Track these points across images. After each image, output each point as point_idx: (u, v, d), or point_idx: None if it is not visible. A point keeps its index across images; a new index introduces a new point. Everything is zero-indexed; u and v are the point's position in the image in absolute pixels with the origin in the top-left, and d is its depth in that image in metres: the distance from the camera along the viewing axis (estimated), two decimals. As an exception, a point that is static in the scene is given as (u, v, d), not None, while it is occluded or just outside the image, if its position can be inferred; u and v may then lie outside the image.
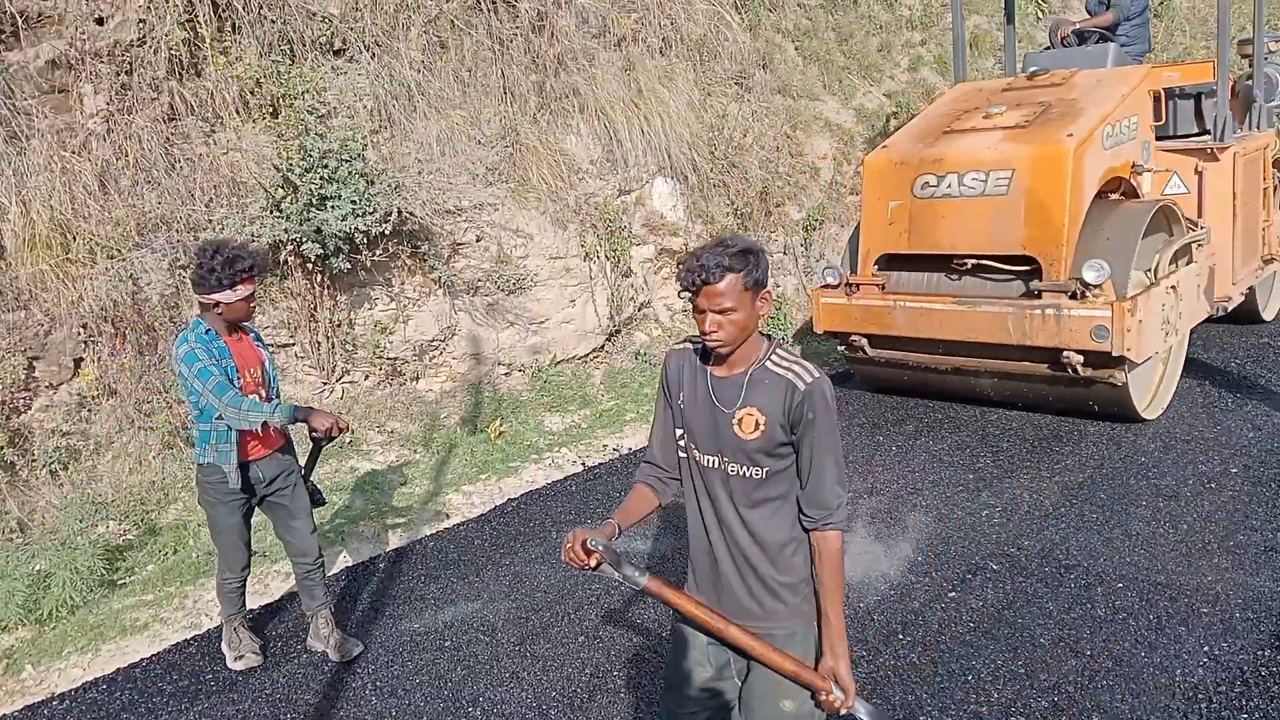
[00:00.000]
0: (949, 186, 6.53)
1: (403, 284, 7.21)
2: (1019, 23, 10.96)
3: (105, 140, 6.21)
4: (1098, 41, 7.92)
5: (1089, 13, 8.59)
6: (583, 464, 6.75)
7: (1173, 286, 6.53)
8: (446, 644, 4.40)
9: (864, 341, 7.13)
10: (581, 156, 8.45)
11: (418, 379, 7.37)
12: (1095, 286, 5.94)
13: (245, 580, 4.30)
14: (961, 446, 6.45)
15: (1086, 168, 6.28)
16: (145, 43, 6.38)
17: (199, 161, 6.53)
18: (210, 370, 3.79)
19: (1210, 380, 7.37)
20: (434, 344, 7.38)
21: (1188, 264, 6.94)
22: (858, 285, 7.02)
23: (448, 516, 5.95)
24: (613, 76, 8.68)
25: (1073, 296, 6.02)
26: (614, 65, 8.75)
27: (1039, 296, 6.17)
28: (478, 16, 7.92)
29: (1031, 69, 7.56)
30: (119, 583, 5.20)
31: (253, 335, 4.18)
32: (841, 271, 7.14)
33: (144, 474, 5.93)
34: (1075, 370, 6.12)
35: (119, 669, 4.40)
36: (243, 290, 3.85)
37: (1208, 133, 7.63)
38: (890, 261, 6.95)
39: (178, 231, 6.25)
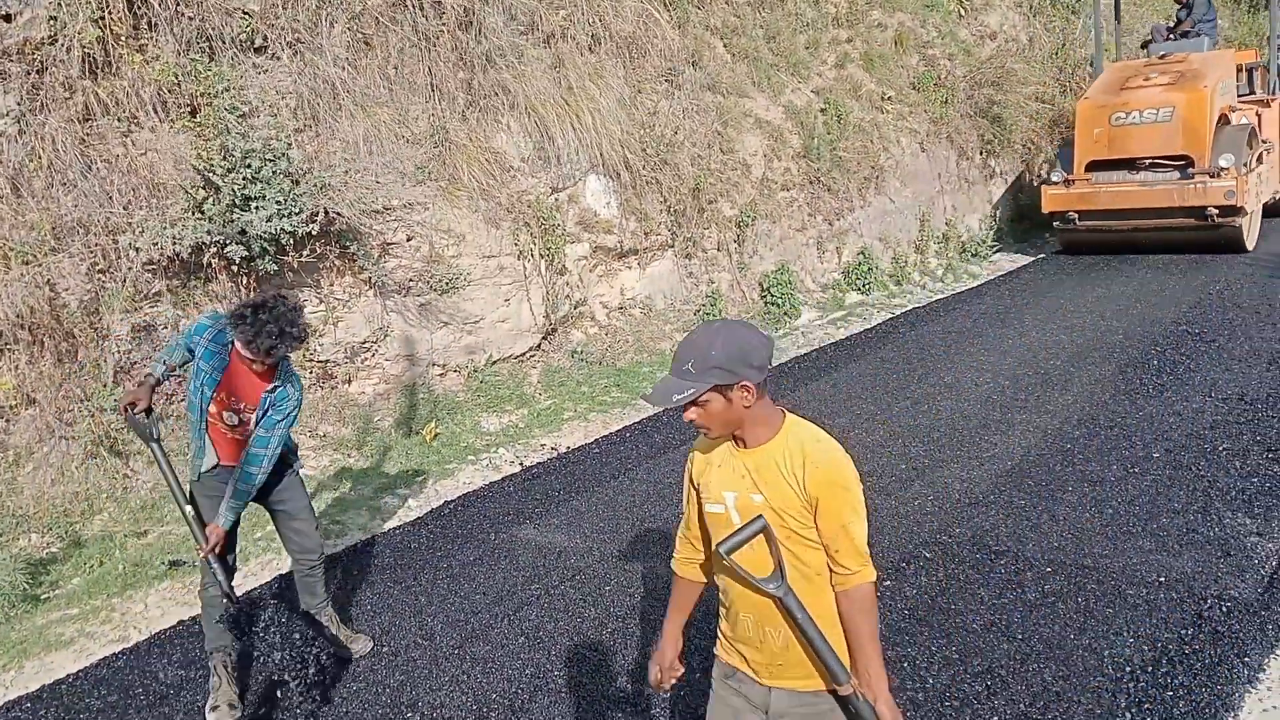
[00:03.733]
0: (1134, 118, 11.79)
1: (332, 285, 7.08)
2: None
3: (17, 142, 5.99)
4: (1182, 36, 13.37)
5: (1177, 19, 13.87)
6: (520, 464, 6.71)
7: (1258, 174, 12.00)
8: (384, 650, 4.33)
9: (1075, 216, 12.16)
10: (512, 154, 8.39)
11: (350, 381, 7.25)
12: (1225, 169, 11.08)
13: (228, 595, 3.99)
14: (895, 437, 6.56)
15: (1213, 105, 11.55)
16: (57, 40, 6.16)
17: (116, 163, 6.32)
18: (175, 346, 3.89)
19: (1133, 368, 7.61)
20: (366, 345, 7.26)
21: (1259, 163, 12.10)
22: (1073, 180, 12.07)
23: (383, 521, 5.87)
24: (542, 73, 8.63)
25: (1212, 176, 11.11)
26: (543, 62, 8.70)
27: (1191, 178, 11.28)
28: (403, 13, 7.80)
29: (1161, 53, 13.07)
30: (42, 597, 5.03)
31: (274, 393, 3.85)
32: (1062, 173, 12.20)
33: (66, 484, 5.74)
34: (1213, 219, 11.18)
35: (44, 686, 4.25)
36: (253, 355, 3.67)
37: (1252, 93, 13.77)
38: (1090, 166, 12.01)
39: (96, 235, 6.05)
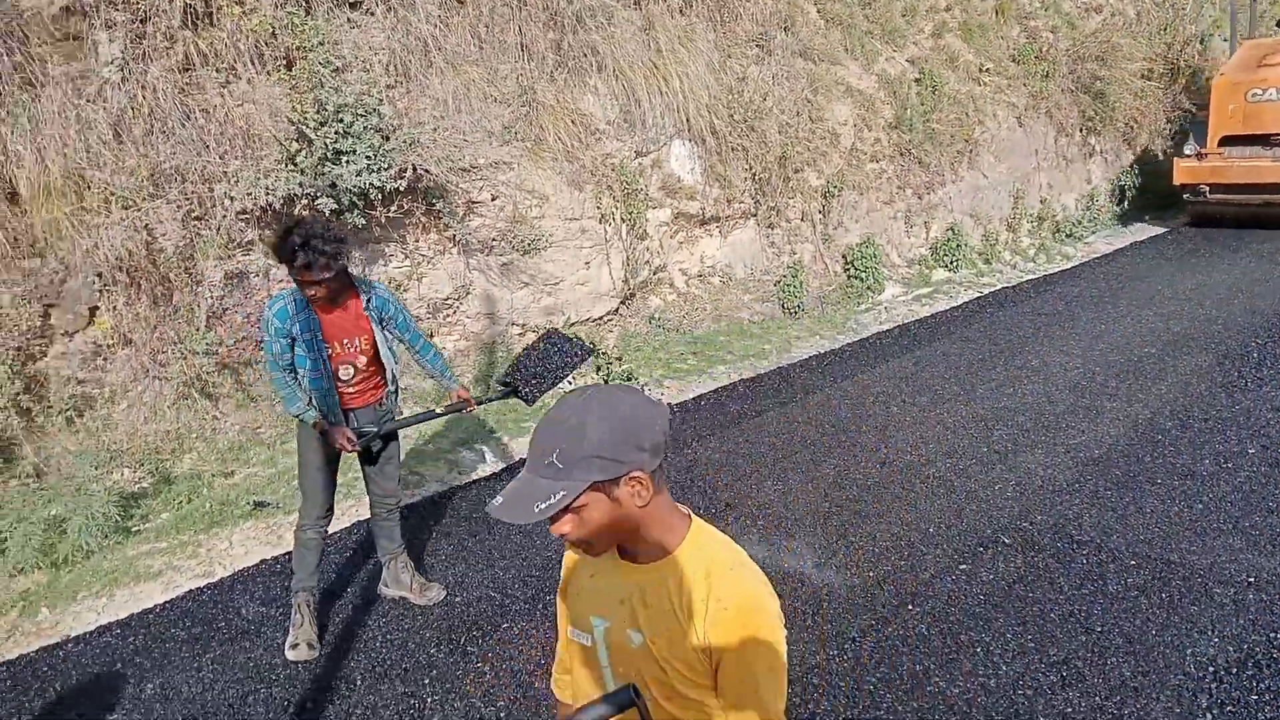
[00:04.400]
0: (1270, 95, 11.94)
1: (417, 241, 7.16)
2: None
3: (120, 89, 6.15)
4: None
5: None
6: (594, 426, 6.73)
7: None
8: (457, 600, 4.41)
9: (1206, 189, 12.46)
10: (599, 116, 8.36)
11: (432, 336, 7.35)
12: None
13: (322, 536, 4.20)
14: (977, 419, 6.41)
15: None
16: (161, -10, 6.31)
17: (213, 113, 6.46)
18: (271, 346, 3.91)
19: (1232, 359, 7.30)
20: (448, 302, 7.35)
21: None
22: (1206, 154, 12.42)
23: (460, 474, 5.96)
24: (631, 36, 8.55)
25: None
26: (633, 24, 8.62)
27: None
28: (497, -29, 7.79)
29: None
30: (133, 530, 5.23)
31: (368, 302, 4.03)
32: (1196, 147, 12.55)
33: (158, 423, 5.95)
34: None
35: (132, 614, 4.44)
36: (303, 278, 3.71)
37: None
38: (1224, 141, 12.29)
39: (192, 183, 6.20)
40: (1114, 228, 14.08)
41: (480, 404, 4.53)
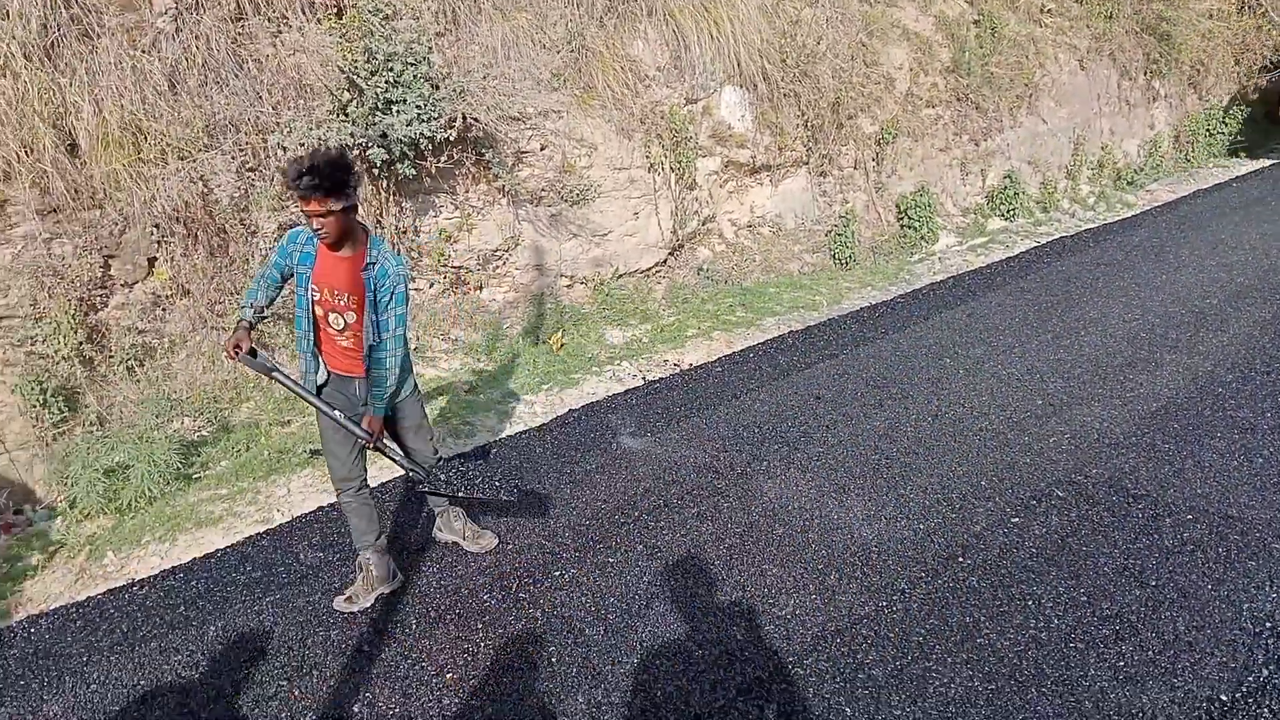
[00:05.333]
0: None
1: (467, 192, 7.17)
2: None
3: (174, 40, 6.20)
4: None
5: None
6: (643, 378, 6.75)
7: None
8: (509, 547, 4.48)
9: None
10: (648, 63, 8.25)
11: (481, 288, 7.38)
12: None
13: (361, 500, 4.09)
14: (1032, 372, 6.31)
15: None
16: (212, -60, 6.31)
17: (266, 63, 6.49)
18: (259, 279, 3.88)
19: (1297, 310, 7.10)
20: (498, 253, 7.36)
21: None
22: None
23: (510, 425, 6.02)
24: (683, -21, 8.40)
25: None
26: (685, -32, 8.46)
27: None
28: (546, -85, 7.67)
29: None
30: (194, 477, 5.37)
31: (373, 271, 3.73)
32: None
33: (217, 373, 6.07)
34: None
35: (195, 559, 4.57)
36: (306, 207, 3.54)
37: None
38: None
39: (245, 134, 6.25)
40: (1177, 175, 13.66)
41: (374, 447, 3.88)
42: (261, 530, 4.80)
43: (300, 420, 5.99)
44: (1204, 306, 7.41)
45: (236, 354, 3.76)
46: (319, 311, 3.84)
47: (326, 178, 3.48)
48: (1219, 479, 4.71)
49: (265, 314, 3.94)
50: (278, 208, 6.28)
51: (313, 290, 3.80)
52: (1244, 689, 3.28)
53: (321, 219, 3.57)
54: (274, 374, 3.84)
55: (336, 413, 3.83)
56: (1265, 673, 3.35)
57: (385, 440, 3.95)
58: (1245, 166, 14.15)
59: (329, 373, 3.96)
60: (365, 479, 4.13)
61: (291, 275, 3.87)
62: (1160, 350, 6.51)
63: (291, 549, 4.58)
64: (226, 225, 6.15)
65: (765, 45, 8.81)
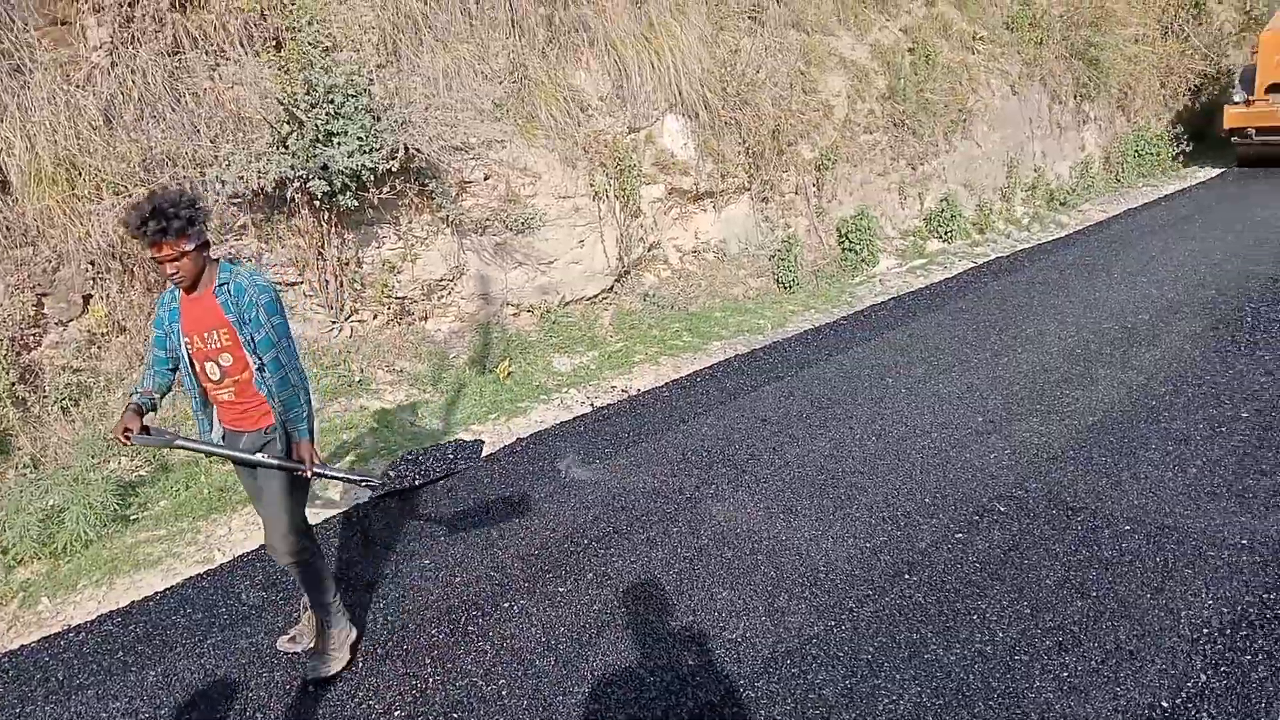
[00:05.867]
0: None
1: (410, 222, 7.15)
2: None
3: (109, 74, 6.13)
4: None
5: None
6: (591, 405, 6.76)
7: None
8: (456, 580, 4.44)
9: (1253, 131, 14.27)
10: (591, 92, 8.32)
11: (426, 318, 7.35)
12: None
13: (319, 552, 3.81)
14: (972, 389, 6.43)
15: None
16: (147, -27, 6.27)
17: (203, 96, 6.44)
18: (148, 365, 3.64)
19: (1225, 325, 7.32)
20: (442, 283, 7.34)
21: None
22: (1253, 101, 14.12)
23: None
24: (623, 10, 8.50)
25: None
26: (624, -1, 8.57)
27: None
28: (485, -53, 7.73)
29: None
30: (132, 518, 5.25)
31: (228, 291, 3.48)
32: (1244, 94, 14.26)
33: (155, 410, 5.95)
34: None
35: (133, 602, 4.46)
36: (157, 254, 3.32)
37: None
38: (1270, 89, 13.87)
39: (183, 168, 6.18)
40: (1108, 194, 14.05)
41: (319, 475, 3.70)
42: (202, 571, 4.71)
43: (243, 456, 5.89)
44: (1136, 322, 7.61)
45: (128, 438, 3.53)
46: (197, 366, 3.57)
47: (174, 218, 3.28)
48: (1155, 490, 4.83)
49: (157, 400, 3.67)
50: (215, 242, 6.21)
51: (186, 344, 3.54)
52: (1183, 695, 3.35)
53: (175, 263, 3.35)
54: (176, 443, 3.65)
55: (259, 455, 3.59)
56: (1203, 678, 3.42)
57: (324, 464, 3.78)
58: (1173, 185, 14.61)
59: (223, 429, 3.71)
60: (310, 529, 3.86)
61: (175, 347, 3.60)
62: (1095, 365, 6.68)
63: (233, 589, 4.49)
64: (164, 260, 6.05)
65: (706, 74, 8.94)
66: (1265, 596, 3.84)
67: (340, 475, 3.95)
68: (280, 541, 3.67)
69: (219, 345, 3.50)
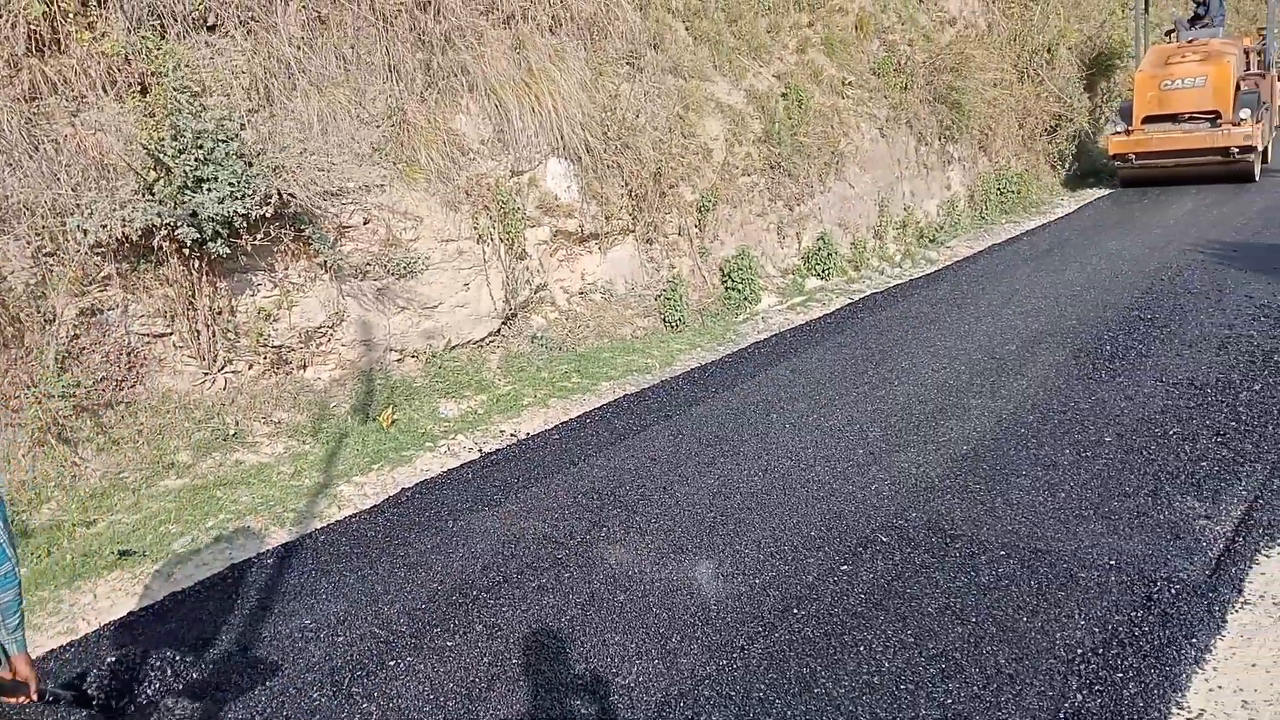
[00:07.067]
0: (1177, 84, 15.92)
1: (287, 269, 6.97)
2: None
3: (-42, 120, 5.82)
4: (1203, 27, 18.08)
5: (1196, 14, 18.48)
6: (480, 450, 6.67)
7: (1263, 125, 16.29)
8: (339, 639, 4.29)
9: (1133, 156, 16.22)
10: (472, 136, 8.30)
11: (305, 367, 7.15)
12: (1244, 119, 15.28)
13: None
14: (852, 422, 6.60)
15: (1233, 75, 15.75)
16: (1, 16, 6.00)
17: (64, 143, 6.17)
18: None
19: (1086, 353, 7.71)
20: (321, 330, 7.17)
21: (1265, 115, 16.64)
22: (1131, 130, 16.26)
23: (339, 509, 5.81)
24: (502, 55, 8.54)
25: (1234, 125, 15.34)
26: (503, 44, 8.61)
27: (1219, 127, 15.49)
28: (360, -8, 7.67)
29: (1188, 38, 17.65)
30: (-15, 590, 4.91)
31: None
32: (1123, 125, 16.46)
33: (13, 473, 5.61)
34: (1234, 156, 15.41)
35: (-13, 681, 4.16)
36: None
37: (1248, 69, 17.51)
38: (1146, 120, 16.11)
39: (42, 217, 5.90)
40: (974, 231, 14.71)
41: (45, 699, 3.04)
42: (65, 642, 4.43)
43: (108, 519, 5.60)
44: (1004, 353, 7.96)
45: None
46: None
47: None
48: (1027, 515, 5.02)
49: None
50: (78, 293, 5.93)
51: None
52: (1061, 715, 3.47)
53: None
54: None
55: None
56: (1079, 698, 3.55)
57: (48, 688, 3.05)
58: (1033, 221, 15.39)
59: None
60: None
61: None
62: (967, 396, 6.94)
63: (101, 658, 4.24)
64: (21, 314, 5.76)
65: (587, 119, 9.03)
66: (1133, 615, 4.03)
67: (66, 695, 3.39)
68: None
69: None
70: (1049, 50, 17.64)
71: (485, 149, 8.37)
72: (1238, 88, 15.89)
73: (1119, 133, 16.54)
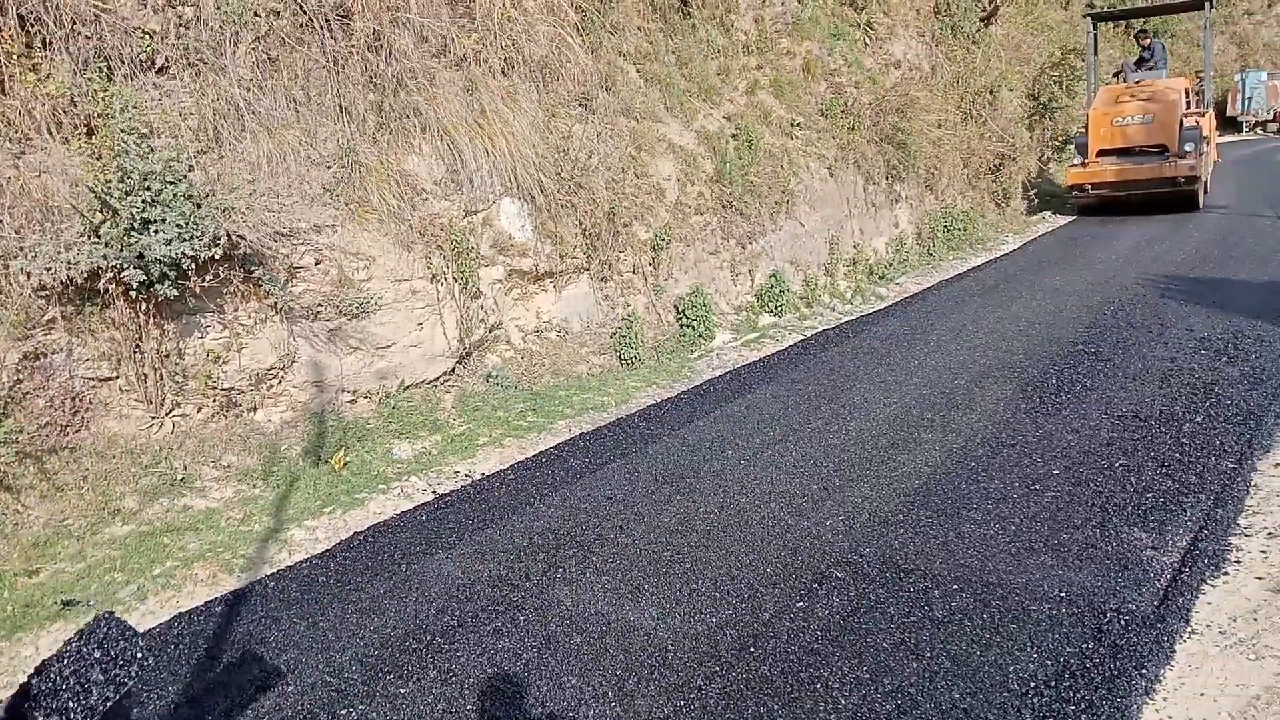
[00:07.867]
0: (1128, 120, 17.49)
1: (236, 310, 6.89)
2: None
3: (-105, 161, 5.71)
4: (1149, 70, 19.49)
5: (1141, 58, 19.90)
6: (434, 491, 6.61)
7: (1205, 157, 17.81)
8: (289, 688, 4.20)
9: (1089, 186, 17.66)
10: (424, 177, 8.31)
11: (255, 409, 7.06)
12: (1189, 153, 16.85)
13: None
14: (806, 458, 6.64)
15: (1178, 113, 17.30)
16: (-59, 56, 5.92)
17: (7, 185, 6.07)
18: None
19: (1033, 387, 7.86)
20: (272, 372, 7.08)
21: (1206, 149, 18.15)
22: (1087, 163, 17.70)
23: (290, 554, 5.71)
24: (455, 96, 8.57)
25: (1180, 158, 16.80)
26: (455, 85, 8.65)
27: (1167, 159, 16.95)
28: (310, 33, 7.68)
29: (1135, 79, 19.09)
30: (-81, 645, 4.75)
31: None
32: (1080, 158, 17.89)
33: (-53, 523, 5.46)
34: (1180, 186, 16.85)
35: (-81, 741, 4.01)
36: None
37: (1188, 107, 18.64)
38: (1100, 153, 17.59)
39: (-18, 259, 5.79)
40: (921, 268, 14.97)
41: None
42: (3, 697, 4.28)
43: (51, 568, 5.45)
44: (953, 387, 8.08)
45: None
46: None
47: None
48: (978, 548, 5.08)
49: None
50: (21, 336, 5.82)
51: None
52: (1014, 747, 3.50)
53: None
54: None
55: None
56: (1031, 729, 3.59)
57: None
58: (980, 257, 15.71)
59: None
60: None
61: None
62: (918, 430, 7.03)
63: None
64: (-41, 359, 5.62)
65: (540, 159, 9.08)
66: (1084, 647, 4.08)
67: None
68: None
69: None
70: (991, 91, 18.12)
71: (438, 189, 8.38)
72: (1181, 124, 17.23)
73: (1076, 165, 18.01)
